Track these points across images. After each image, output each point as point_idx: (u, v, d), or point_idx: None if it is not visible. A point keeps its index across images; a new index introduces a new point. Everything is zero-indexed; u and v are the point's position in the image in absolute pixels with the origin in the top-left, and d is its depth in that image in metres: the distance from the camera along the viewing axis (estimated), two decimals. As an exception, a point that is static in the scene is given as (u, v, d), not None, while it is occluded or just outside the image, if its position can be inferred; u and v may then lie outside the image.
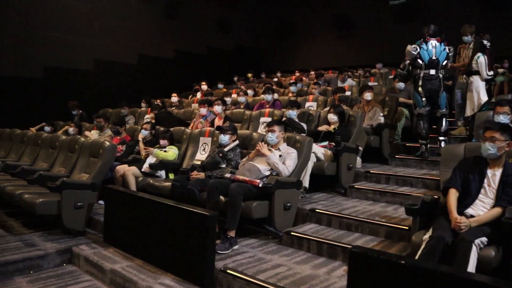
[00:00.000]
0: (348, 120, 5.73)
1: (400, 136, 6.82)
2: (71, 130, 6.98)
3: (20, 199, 4.63)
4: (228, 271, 3.35)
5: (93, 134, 6.62)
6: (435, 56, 5.53)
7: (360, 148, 5.65)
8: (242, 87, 10.55)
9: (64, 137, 5.87)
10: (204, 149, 5.33)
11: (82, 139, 5.47)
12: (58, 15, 10.03)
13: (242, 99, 7.89)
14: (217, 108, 6.34)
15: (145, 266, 3.74)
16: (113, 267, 3.74)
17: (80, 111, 8.69)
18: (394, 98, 6.94)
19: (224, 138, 4.74)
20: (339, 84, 9.36)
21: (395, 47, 6.73)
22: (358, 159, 5.70)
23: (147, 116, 7.89)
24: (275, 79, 12.35)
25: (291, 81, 10.00)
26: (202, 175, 4.46)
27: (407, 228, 3.73)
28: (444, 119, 5.80)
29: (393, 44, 10.04)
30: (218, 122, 6.19)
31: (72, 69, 10.27)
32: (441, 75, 5.57)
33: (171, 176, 5.24)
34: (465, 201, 3.13)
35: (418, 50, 5.57)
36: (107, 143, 4.86)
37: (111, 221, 4.36)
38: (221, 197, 4.04)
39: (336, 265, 3.51)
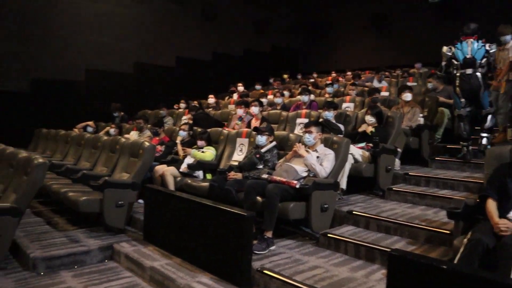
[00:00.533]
0: (386, 121, 5.64)
1: (441, 138, 6.65)
2: (112, 131, 7.19)
3: (65, 197, 4.82)
4: (265, 271, 3.36)
5: (132, 135, 6.79)
6: (470, 54, 5.33)
7: (398, 149, 5.55)
8: (277, 85, 10.54)
9: (105, 137, 6.05)
10: (241, 150, 5.38)
11: (123, 139, 5.63)
12: (99, 20, 10.37)
13: (278, 100, 7.90)
14: (254, 109, 6.37)
15: (183, 264, 3.81)
16: (152, 264, 3.83)
17: (122, 113, 8.97)
18: (434, 98, 6.77)
19: (261, 139, 4.76)
20: (376, 85, 9.22)
21: (435, 46, 6.54)
22: (397, 161, 5.60)
23: (184, 117, 8.03)
24: (311, 80, 12.29)
25: (328, 82, 9.93)
26: (239, 175, 4.50)
27: (448, 232, 3.64)
28: (489, 116, 5.56)
29: (433, 43, 9.74)
30: (255, 123, 6.22)
31: (112, 72, 10.57)
32: (479, 74, 5.34)
33: (209, 176, 5.31)
34: (506, 205, 3.03)
35: (453, 50, 5.42)
36: (147, 143, 4.98)
37: (150, 219, 4.46)
38: (258, 198, 4.06)
39: (375, 268, 3.47)
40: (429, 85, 7.21)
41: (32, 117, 9.08)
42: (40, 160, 4.15)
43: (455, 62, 5.42)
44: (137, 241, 4.50)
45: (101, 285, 3.76)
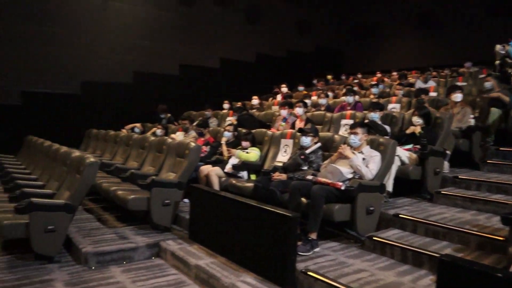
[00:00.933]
0: (435, 122, 5.47)
1: (493, 140, 6.37)
2: (158, 131, 7.38)
3: (114, 195, 4.99)
4: (309, 273, 3.35)
5: (178, 136, 6.93)
6: None
7: (447, 152, 5.36)
8: (321, 87, 10.47)
9: (152, 138, 6.21)
10: (285, 151, 5.38)
11: (169, 140, 5.76)
12: (145, 24, 10.67)
13: (323, 101, 7.84)
14: (299, 110, 6.35)
15: (228, 263, 3.86)
16: (197, 262, 3.90)
17: (168, 115, 9.19)
18: (486, 98, 6.50)
19: (306, 140, 4.75)
20: (421, 85, 8.97)
21: (486, 44, 6.28)
22: (446, 164, 5.41)
23: (229, 118, 8.11)
24: (356, 81, 12.12)
25: (372, 83, 9.75)
26: (284, 176, 4.50)
27: (502, 239, 3.49)
28: None
29: (484, 41, 9.39)
30: (299, 124, 6.20)
31: (159, 74, 10.85)
32: None
33: (253, 177, 5.34)
34: None
35: (506, 48, 5.19)
36: (193, 144, 5.07)
37: (195, 218, 4.54)
38: (303, 199, 4.05)
39: (422, 273, 3.37)
40: (487, 85, 6.91)
41: (83, 118, 9.46)
42: (92, 160, 4.32)
43: (509, 61, 5.21)
44: (182, 239, 4.60)
45: (148, 281, 3.87)
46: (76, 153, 4.88)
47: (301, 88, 11.35)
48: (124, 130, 8.36)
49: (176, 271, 4.11)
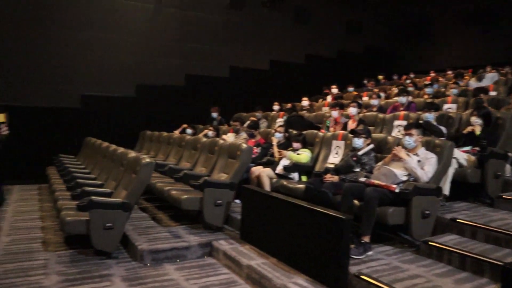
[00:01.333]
0: (495, 123, 5.23)
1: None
2: (210, 133, 7.50)
3: (168, 194, 5.13)
4: (363, 276, 3.29)
5: (229, 137, 7.02)
6: None
7: (510, 154, 5.10)
8: (375, 89, 10.26)
9: (204, 139, 6.32)
10: (336, 153, 5.32)
11: (221, 141, 5.85)
12: (196, 28, 10.88)
13: (375, 101, 7.69)
14: (352, 111, 6.26)
15: (279, 264, 3.86)
16: (249, 263, 3.93)
17: (220, 117, 9.35)
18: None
19: (358, 141, 4.67)
20: (474, 84, 8.58)
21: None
22: (508, 167, 5.15)
23: (279, 119, 8.13)
24: (408, 81, 11.78)
25: (426, 82, 9.44)
26: (335, 178, 4.45)
27: None
28: None
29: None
30: (351, 125, 6.11)
31: (210, 76, 11.03)
32: None
33: (304, 178, 5.32)
34: None
35: None
36: (244, 145, 5.12)
37: (247, 219, 4.58)
38: (355, 201, 3.99)
39: (483, 282, 3.22)
40: None
41: (137, 120, 9.78)
42: (147, 160, 4.46)
43: None
44: (234, 239, 4.65)
45: (201, 280, 3.95)
46: (132, 153, 5.05)
47: (351, 89, 11.18)
48: (176, 132, 8.57)
49: (227, 271, 4.17)
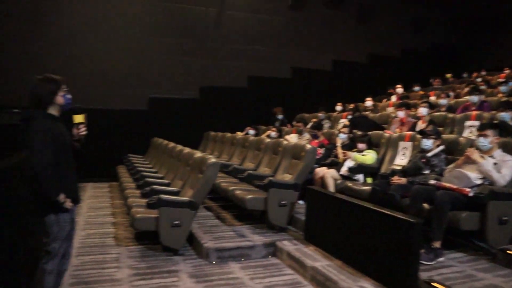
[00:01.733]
0: None
1: None
2: (273, 134, 7.52)
3: (233, 194, 5.20)
4: (434, 284, 3.16)
5: (292, 138, 7.00)
6: None
7: None
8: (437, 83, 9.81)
9: (268, 140, 6.35)
10: (404, 154, 5.14)
11: (285, 142, 5.85)
12: (259, 30, 10.96)
13: (443, 101, 7.36)
14: (422, 111, 6.03)
15: (344, 267, 3.80)
16: (313, 264, 3.90)
17: (282, 117, 9.39)
18: None
19: (427, 142, 4.49)
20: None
21: None
22: None
23: (342, 120, 8.00)
24: (479, 79, 11.15)
25: (500, 80, 8.89)
26: (403, 180, 4.30)
27: None
28: None
29: None
30: (421, 125, 5.88)
31: (272, 78, 11.08)
32: None
33: (369, 180, 5.20)
34: None
35: None
36: (309, 146, 5.09)
37: (311, 220, 4.55)
38: (425, 205, 3.84)
39: None
40: None
41: (201, 121, 10.02)
42: (213, 160, 4.56)
43: None
44: (298, 240, 4.63)
45: (265, 280, 3.96)
46: (198, 154, 5.18)
47: (417, 88, 10.77)
48: (238, 133, 8.69)
49: (292, 271, 4.16)
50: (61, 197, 2.86)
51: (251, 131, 8.52)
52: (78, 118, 3.13)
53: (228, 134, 8.26)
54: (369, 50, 12.73)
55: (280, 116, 9.35)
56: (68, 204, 2.92)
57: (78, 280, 3.85)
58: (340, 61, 12.09)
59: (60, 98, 2.95)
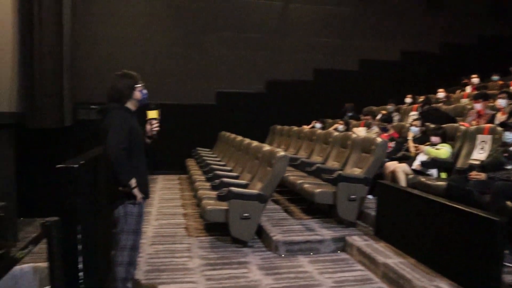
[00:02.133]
0: None
1: None
2: (340, 127, 7.40)
3: (301, 188, 5.20)
4: (519, 287, 2.98)
5: (360, 131, 6.85)
6: None
7: None
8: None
9: (336, 133, 6.26)
10: (482, 148, 4.85)
11: (354, 135, 5.74)
12: (325, 22, 10.80)
13: (525, 91, 6.86)
14: (501, 102, 5.67)
15: (418, 265, 3.68)
16: (385, 261, 3.80)
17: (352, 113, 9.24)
18: None
19: (510, 135, 4.21)
20: None
21: None
22: None
23: (412, 112, 7.70)
24: None
25: None
26: (482, 176, 4.06)
27: None
28: None
29: None
30: (500, 117, 5.53)
31: (338, 70, 10.89)
32: None
33: (443, 175, 4.96)
34: None
35: None
36: (379, 139, 4.96)
37: (382, 215, 4.44)
38: (508, 202, 3.61)
39: None
40: None
41: (267, 114, 10.07)
42: (282, 153, 4.57)
43: None
44: (368, 235, 4.55)
45: (335, 275, 3.93)
46: (267, 147, 5.21)
47: (495, 77, 10.10)
48: (305, 127, 8.64)
49: (362, 267, 4.09)
50: (133, 181, 2.95)
51: (318, 125, 8.44)
52: (152, 114, 3.22)
53: (295, 128, 8.24)
54: (440, 38, 12.13)
55: (351, 113, 9.18)
56: (138, 193, 2.99)
57: (153, 267, 4.03)
58: (409, 52, 11.63)
59: (137, 93, 3.08)
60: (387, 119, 6.43)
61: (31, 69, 5.87)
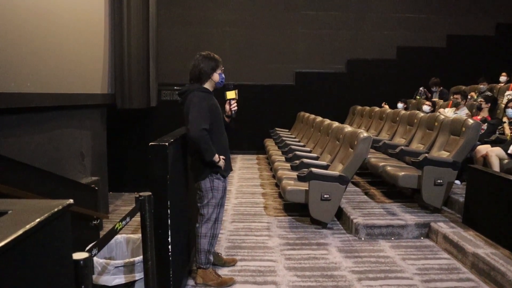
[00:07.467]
0: None
1: None
2: (426, 108, 6.99)
3: (383, 170, 5.04)
4: None
5: (448, 112, 6.45)
6: None
7: None
8: None
9: (422, 114, 5.96)
10: None
11: (442, 116, 5.41)
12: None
13: None
14: None
15: (512, 257, 3.44)
16: (475, 251, 3.59)
17: (440, 88, 8.73)
18: None
19: None
20: None
21: None
22: None
23: (508, 92, 7.11)
24: None
25: None
26: None
27: None
28: None
29: None
30: None
31: (423, 47, 10.30)
32: None
33: (544, 161, 4.56)
34: None
35: None
36: (471, 121, 4.63)
37: (472, 202, 4.18)
38: None
39: None
40: None
41: (347, 95, 9.82)
42: (365, 135, 4.44)
43: None
44: (455, 223, 4.32)
45: (418, 261, 3.79)
46: (349, 128, 5.09)
47: None
48: (386, 107, 8.32)
49: (448, 256, 3.91)
50: (216, 157, 3.06)
51: (401, 105, 8.07)
52: (231, 94, 3.32)
53: (377, 108, 7.96)
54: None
55: (434, 88, 8.71)
56: (222, 162, 3.11)
57: (234, 244, 4.14)
58: (505, 24, 10.66)
59: (216, 76, 3.16)
60: (490, 99, 5.92)
61: (121, 56, 6.26)
